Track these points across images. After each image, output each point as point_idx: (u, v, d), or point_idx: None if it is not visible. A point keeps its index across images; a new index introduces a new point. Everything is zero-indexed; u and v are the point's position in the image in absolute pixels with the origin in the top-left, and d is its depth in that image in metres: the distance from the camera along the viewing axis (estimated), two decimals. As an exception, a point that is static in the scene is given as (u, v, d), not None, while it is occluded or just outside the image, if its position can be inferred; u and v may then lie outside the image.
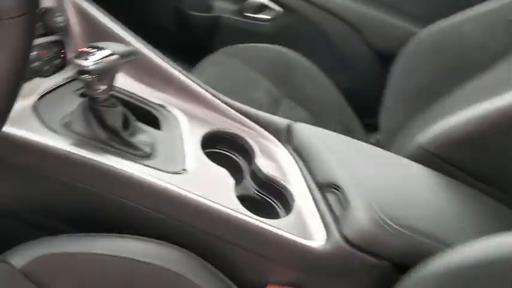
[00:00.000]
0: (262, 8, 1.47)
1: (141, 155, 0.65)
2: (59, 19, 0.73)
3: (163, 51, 0.80)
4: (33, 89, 0.67)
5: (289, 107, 1.20)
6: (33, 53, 0.65)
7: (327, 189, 0.66)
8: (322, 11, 1.43)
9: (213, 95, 0.79)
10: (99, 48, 0.62)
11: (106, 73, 0.62)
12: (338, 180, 0.64)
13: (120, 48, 0.64)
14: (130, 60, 0.66)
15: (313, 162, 0.70)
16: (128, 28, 0.80)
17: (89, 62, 0.60)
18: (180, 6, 1.49)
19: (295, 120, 0.79)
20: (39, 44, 0.69)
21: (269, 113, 0.79)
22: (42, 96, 0.68)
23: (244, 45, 1.29)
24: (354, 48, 1.42)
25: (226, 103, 0.79)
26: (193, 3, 1.49)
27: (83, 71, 0.61)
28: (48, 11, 0.72)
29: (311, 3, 1.42)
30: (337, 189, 0.64)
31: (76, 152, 0.60)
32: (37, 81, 0.69)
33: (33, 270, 0.54)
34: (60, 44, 0.75)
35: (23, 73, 0.45)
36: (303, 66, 1.28)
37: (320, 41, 1.44)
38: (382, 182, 0.68)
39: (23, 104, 0.65)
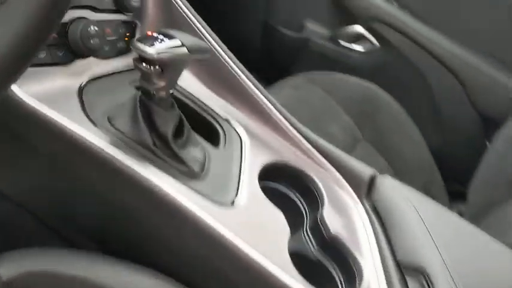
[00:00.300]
0: (358, 38, 1.36)
1: (187, 173, 0.54)
2: (135, -3, 0.64)
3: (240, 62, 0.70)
4: (84, 69, 0.58)
5: (367, 152, 1.07)
6: (93, 28, 0.56)
7: (409, 272, 0.51)
8: (425, 52, 1.28)
9: (287, 120, 0.67)
10: (169, 36, 0.52)
11: (170, 67, 0.52)
12: (426, 265, 0.50)
13: (192, 41, 0.54)
14: (201, 59, 0.55)
15: (397, 232, 0.55)
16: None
17: (153, 49, 0.50)
18: (270, 20, 1.40)
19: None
20: (103, 20, 0.61)
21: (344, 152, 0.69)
22: (92, 80, 0.58)
23: (329, 72, 1.18)
24: (454, 101, 1.26)
25: (300, 132, 0.67)
26: (285, 20, 1.40)
27: (143, 59, 0.51)
28: (124, -14, 0.63)
29: (414, 41, 1.28)
30: (424, 277, 0.49)
31: (110, 152, 0.50)
32: (91, 61, 0.60)
33: (21, 286, 0.43)
34: (129, 26, 0.66)
35: (46, 31, 0.37)
36: (391, 110, 1.15)
37: (416, 86, 1.29)
38: (484, 277, 0.52)
39: (67, 83, 0.56)
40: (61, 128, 0.50)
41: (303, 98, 1.06)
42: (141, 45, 0.50)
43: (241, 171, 0.58)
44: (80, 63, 0.58)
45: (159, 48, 0.50)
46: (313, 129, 0.67)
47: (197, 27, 0.67)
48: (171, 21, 0.68)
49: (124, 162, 0.50)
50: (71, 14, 0.57)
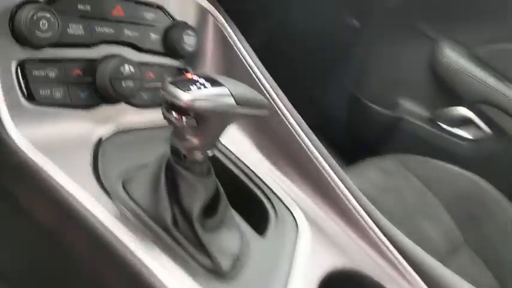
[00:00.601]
0: (463, 121, 1.18)
1: (211, 269, 0.40)
2: (190, 40, 0.54)
3: (317, 134, 0.56)
4: (111, 117, 0.49)
5: (470, 261, 0.89)
6: (128, 69, 0.46)
7: None
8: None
9: (366, 210, 0.51)
10: (213, 82, 0.40)
11: (209, 121, 0.39)
12: None
13: (244, 92, 0.41)
14: (254, 115, 0.42)
15: None
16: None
17: (188, 95, 0.37)
18: (358, 93, 1.28)
19: (474, 284, 0.55)
20: (145, 62, 0.51)
21: (439, 260, 0.56)
22: (118, 132, 0.47)
23: (427, 159, 1.01)
24: None
25: (382, 229, 0.51)
26: (376, 95, 1.27)
27: (174, 106, 0.38)
28: (177, 26, 0.53)
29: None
30: None
31: (110, 228, 0.38)
32: (122, 108, 0.49)
33: None
34: (178, 73, 0.55)
35: None
36: (502, 211, 0.96)
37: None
38: None
39: (85, 132, 0.46)
40: (53, 187, 0.39)
41: (392, 185, 0.91)
42: (172, 88, 0.38)
43: (291, 276, 0.42)
44: (107, 109, 0.48)
45: (197, 94, 0.38)
46: (401, 227, 0.55)
47: (259, 80, 0.55)
48: (231, 71, 0.56)
49: (126, 245, 0.37)
50: (104, 50, 0.48)
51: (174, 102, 0.39)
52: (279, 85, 0.57)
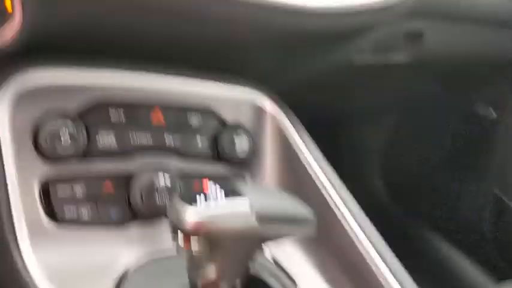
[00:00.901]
0: None
1: None
2: (243, 144, 0.47)
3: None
4: (147, 236, 0.43)
5: None
6: (161, 179, 0.41)
7: None
8: None
9: None
10: (231, 193, 0.32)
11: (225, 244, 0.31)
12: None
13: (275, 205, 0.33)
14: (288, 235, 0.33)
15: None
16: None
17: (192, 214, 0.31)
18: (505, 197, 1.07)
19: None
20: (189, 172, 0.45)
21: None
22: (149, 262, 0.41)
23: None
24: None
25: None
26: None
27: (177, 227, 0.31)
28: (228, 128, 0.47)
29: None
30: None
31: None
32: (161, 224, 0.43)
33: None
34: (229, 183, 0.48)
35: None
36: None
37: None
38: None
39: (115, 255, 0.41)
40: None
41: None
42: (178, 205, 0.31)
43: None
44: (141, 227, 0.43)
45: (204, 212, 0.30)
46: None
47: (327, 190, 0.45)
48: (295, 180, 0.48)
49: None
50: (140, 159, 0.43)
51: (175, 224, 0.31)
52: (396, 200, 0.46)
